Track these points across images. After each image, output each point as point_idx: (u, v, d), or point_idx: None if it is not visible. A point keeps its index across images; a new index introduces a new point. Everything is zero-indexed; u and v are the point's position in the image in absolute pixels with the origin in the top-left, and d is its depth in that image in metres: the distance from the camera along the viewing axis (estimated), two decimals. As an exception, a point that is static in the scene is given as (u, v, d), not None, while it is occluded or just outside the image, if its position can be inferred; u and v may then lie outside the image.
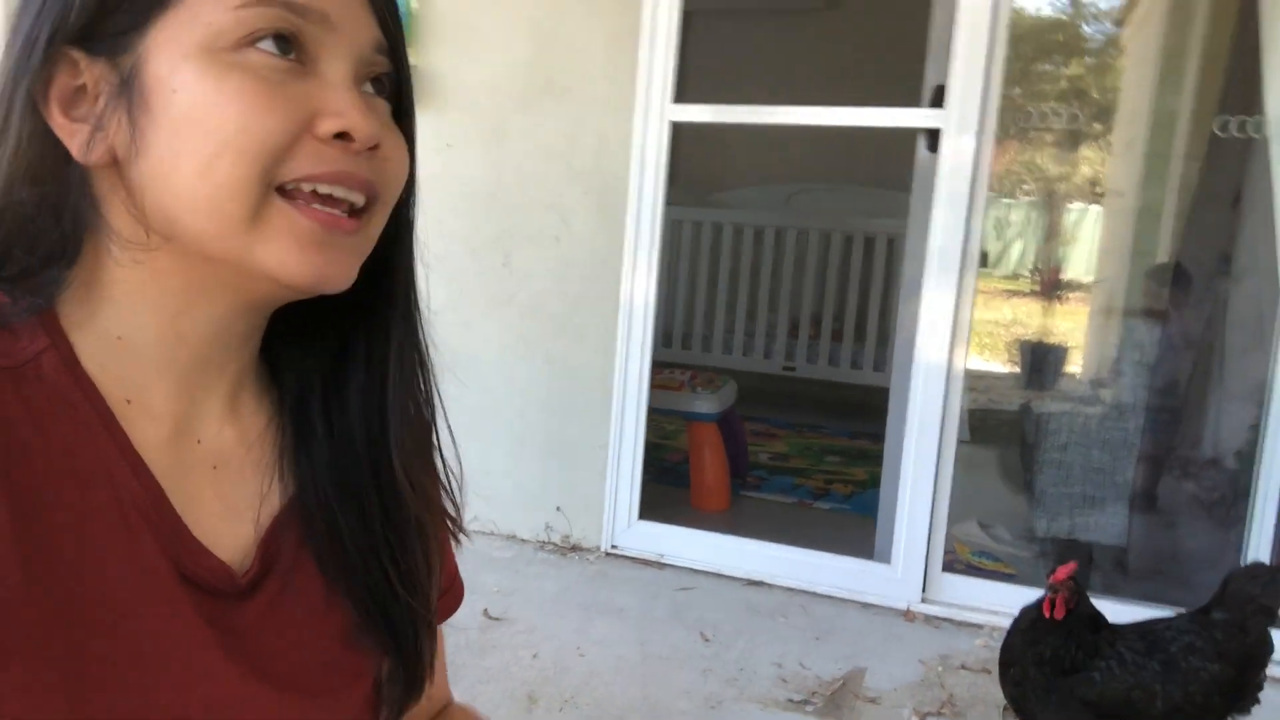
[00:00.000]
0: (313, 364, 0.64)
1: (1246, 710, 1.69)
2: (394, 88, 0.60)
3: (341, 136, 0.53)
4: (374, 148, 0.55)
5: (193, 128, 0.51)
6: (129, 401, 0.55)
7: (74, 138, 0.53)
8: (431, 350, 0.67)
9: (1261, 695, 1.70)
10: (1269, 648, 1.67)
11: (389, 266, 0.63)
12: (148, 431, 0.56)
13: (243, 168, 0.51)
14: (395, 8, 0.59)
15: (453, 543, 0.74)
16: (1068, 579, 1.64)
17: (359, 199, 0.55)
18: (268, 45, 0.52)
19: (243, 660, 0.57)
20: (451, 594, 0.78)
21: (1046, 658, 1.65)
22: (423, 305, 0.66)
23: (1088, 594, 1.68)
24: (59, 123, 0.53)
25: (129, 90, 0.52)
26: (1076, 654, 1.63)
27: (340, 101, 0.53)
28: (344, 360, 0.64)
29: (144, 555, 0.53)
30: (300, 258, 0.53)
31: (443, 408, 0.69)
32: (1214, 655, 1.63)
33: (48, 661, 0.49)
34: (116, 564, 0.52)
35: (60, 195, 0.53)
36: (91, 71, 0.52)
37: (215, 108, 0.50)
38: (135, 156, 0.52)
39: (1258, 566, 1.79)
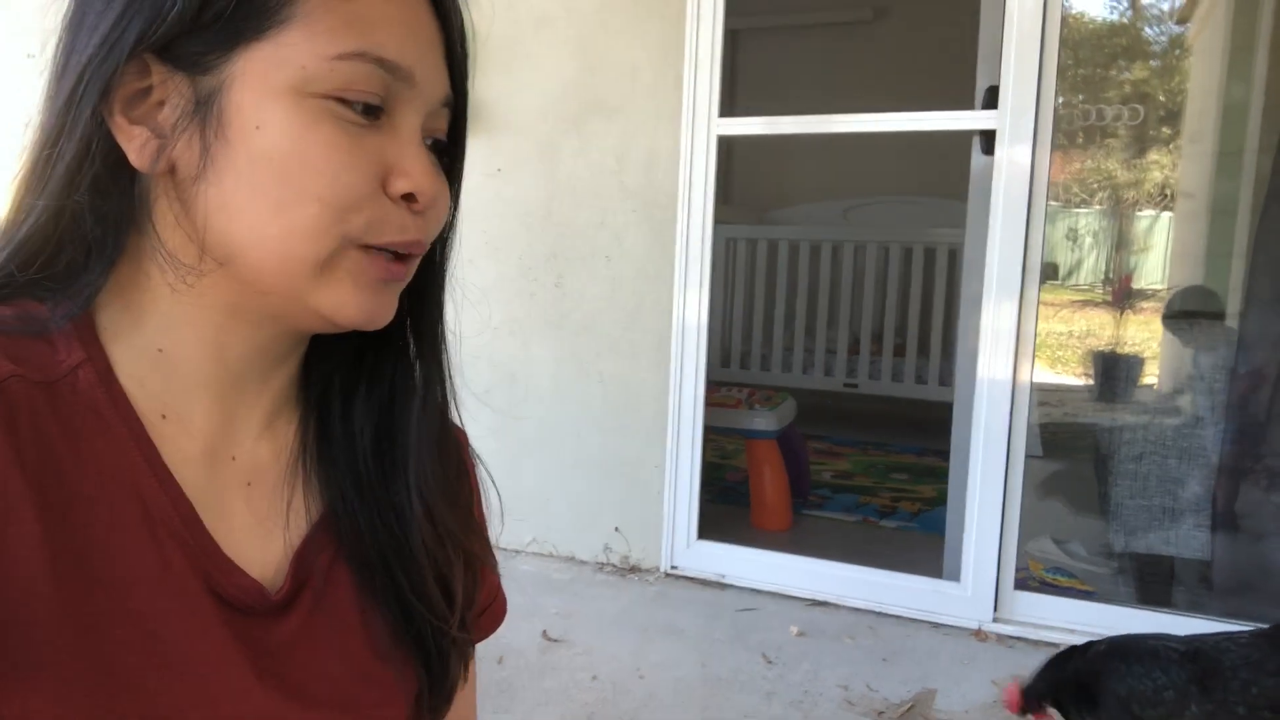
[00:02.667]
0: (340, 380, 0.64)
1: None
2: (451, 130, 0.60)
3: (408, 197, 0.55)
4: None
5: (273, 169, 0.51)
6: (165, 417, 0.55)
7: (132, 141, 0.52)
8: (456, 376, 0.67)
9: None
10: None
11: (421, 294, 0.63)
12: (182, 447, 0.55)
13: (324, 219, 0.52)
14: (466, 58, 0.59)
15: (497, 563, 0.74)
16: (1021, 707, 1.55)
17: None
18: (354, 110, 0.52)
19: (274, 678, 0.56)
20: (491, 612, 0.76)
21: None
22: (449, 331, 0.67)
23: (1050, 695, 1.55)
24: (118, 123, 0.52)
25: (205, 112, 0.51)
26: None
27: (412, 162, 0.54)
28: (371, 378, 0.64)
29: (174, 572, 0.53)
30: (357, 301, 0.54)
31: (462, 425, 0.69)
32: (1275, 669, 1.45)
33: (77, 676, 0.48)
34: (146, 580, 0.52)
35: (112, 198, 0.53)
36: (165, 82, 0.52)
37: (301, 156, 0.51)
38: (200, 178, 0.52)
39: None
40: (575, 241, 2.82)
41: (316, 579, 0.61)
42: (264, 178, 0.51)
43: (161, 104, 0.52)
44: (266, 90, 0.51)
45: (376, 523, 0.62)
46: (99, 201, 0.52)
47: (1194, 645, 1.51)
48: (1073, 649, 1.56)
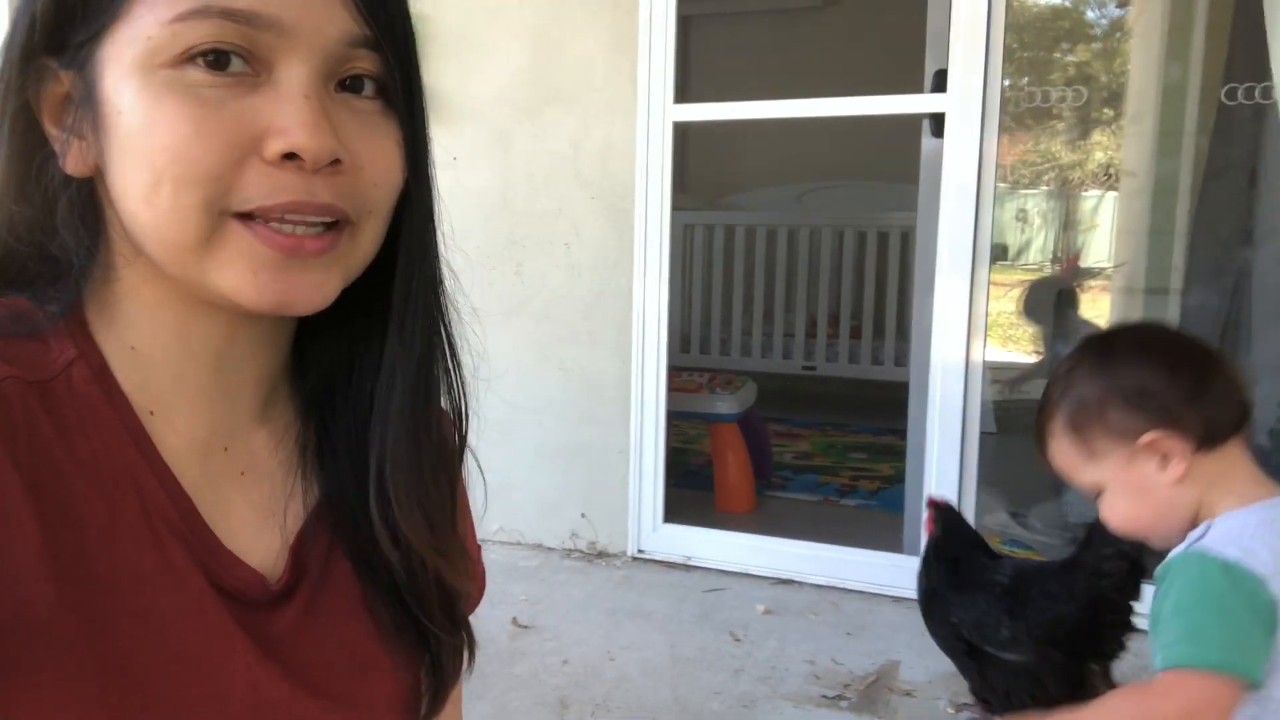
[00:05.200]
0: (334, 361, 0.62)
1: (1108, 657, 1.66)
2: (392, 81, 0.54)
3: (291, 157, 0.49)
4: (336, 162, 0.50)
5: (135, 152, 0.49)
6: (152, 413, 0.55)
7: (57, 146, 0.52)
8: (470, 356, 0.64)
9: (1131, 645, 1.65)
10: (1128, 594, 1.64)
11: (397, 268, 0.59)
12: (172, 441, 0.55)
13: (182, 197, 0.48)
14: None
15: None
16: (933, 504, 1.85)
17: (324, 220, 0.51)
18: (201, 63, 0.48)
19: (279, 667, 0.56)
20: (476, 589, 0.77)
21: (923, 586, 1.82)
22: (451, 306, 0.63)
23: (961, 530, 1.84)
24: (51, 132, 0.52)
25: (89, 104, 0.50)
26: (948, 572, 1.77)
27: (286, 117, 0.48)
28: (364, 358, 0.62)
29: (175, 566, 0.53)
30: (256, 283, 0.50)
31: (470, 408, 0.66)
32: (1066, 597, 1.64)
33: (83, 675, 0.48)
34: (148, 576, 0.52)
35: (55, 205, 0.53)
36: (67, 82, 0.52)
37: (150, 134, 0.48)
38: (104, 171, 0.52)
39: None
40: (534, 230, 2.82)
41: (315, 568, 0.60)
42: (131, 163, 0.49)
43: (76, 106, 0.51)
44: (122, 71, 0.49)
45: (373, 509, 0.61)
46: (47, 210, 0.53)
47: (1015, 575, 1.73)
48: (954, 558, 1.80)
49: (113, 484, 0.51)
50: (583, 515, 2.85)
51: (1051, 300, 3.49)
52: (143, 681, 0.50)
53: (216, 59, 0.48)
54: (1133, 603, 1.64)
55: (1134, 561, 1.62)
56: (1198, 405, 1.06)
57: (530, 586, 2.59)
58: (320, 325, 0.60)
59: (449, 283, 0.62)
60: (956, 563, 1.78)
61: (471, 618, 0.70)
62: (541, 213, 2.81)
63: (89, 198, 0.53)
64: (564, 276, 2.81)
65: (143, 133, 0.48)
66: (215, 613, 0.54)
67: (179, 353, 0.55)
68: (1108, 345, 1.17)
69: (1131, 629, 1.64)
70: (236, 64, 0.49)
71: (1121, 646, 1.66)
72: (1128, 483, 1.10)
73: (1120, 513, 1.12)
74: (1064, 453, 1.15)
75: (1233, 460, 1.07)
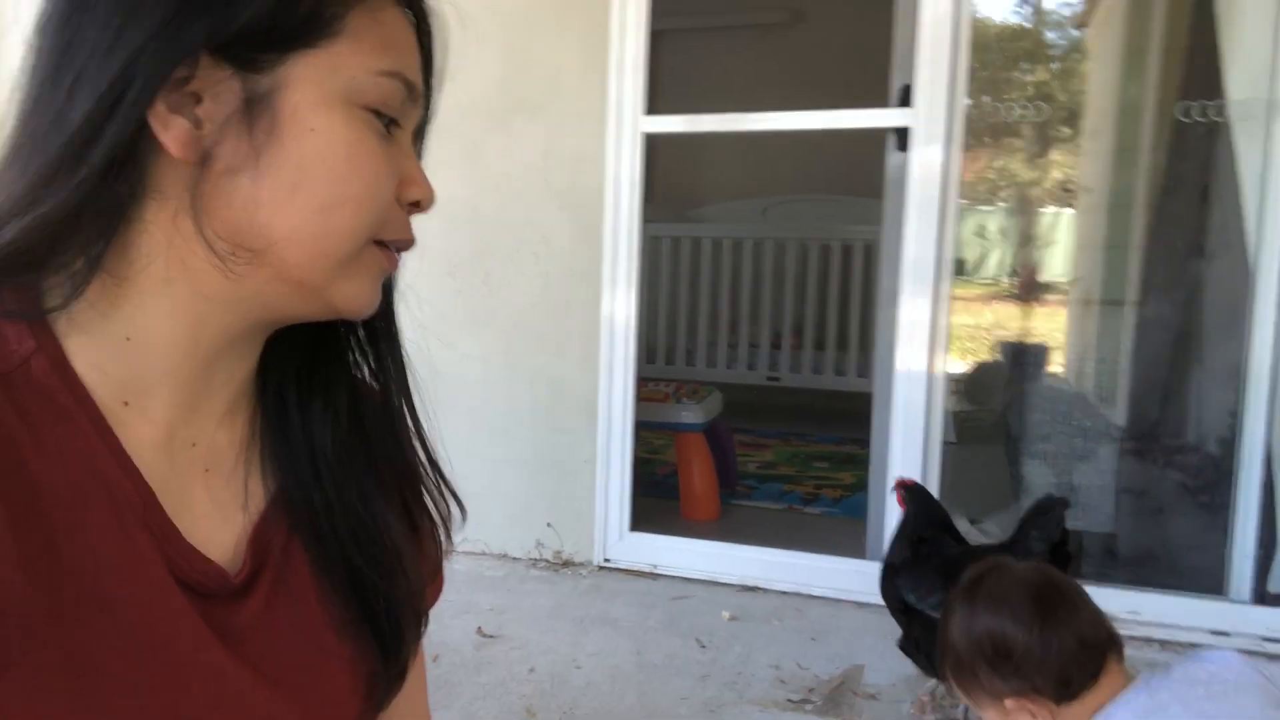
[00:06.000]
0: (291, 359, 0.65)
1: None
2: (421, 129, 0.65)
3: (414, 203, 0.61)
4: None
5: (323, 171, 0.54)
6: (127, 404, 0.55)
7: (169, 131, 0.52)
8: (409, 363, 0.68)
9: None
10: None
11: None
12: (142, 434, 0.55)
13: (359, 220, 0.56)
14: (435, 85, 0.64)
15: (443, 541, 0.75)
16: (900, 483, 2.00)
17: None
18: (382, 116, 0.57)
19: (241, 659, 0.57)
20: (434, 586, 0.77)
21: (888, 562, 1.95)
22: (399, 306, 0.69)
23: (931, 510, 1.98)
24: (158, 111, 0.51)
25: (256, 109, 0.52)
26: (900, 556, 1.93)
27: (418, 173, 0.60)
28: (321, 355, 0.65)
29: (140, 557, 0.53)
30: (368, 293, 0.59)
31: (422, 409, 0.70)
32: None
33: (54, 666, 0.48)
34: (114, 566, 0.52)
35: (124, 187, 0.52)
36: (211, 76, 0.52)
37: (349, 161, 0.55)
38: (240, 172, 0.52)
39: (1045, 498, 1.92)
40: (502, 240, 2.83)
41: (275, 559, 0.61)
42: (312, 178, 0.54)
43: (199, 96, 0.52)
44: (322, 96, 0.54)
45: (332, 500, 0.63)
46: (124, 189, 0.52)
47: (960, 552, 1.89)
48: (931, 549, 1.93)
49: (78, 473, 0.52)
50: (549, 525, 2.85)
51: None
52: (108, 671, 0.50)
53: (390, 123, 0.58)
54: None
55: (1055, 544, 1.83)
56: (1052, 668, 1.13)
57: (496, 596, 2.58)
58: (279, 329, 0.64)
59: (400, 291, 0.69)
60: (920, 543, 1.92)
61: (435, 627, 0.73)
62: (510, 223, 2.81)
63: (140, 184, 0.53)
64: (533, 286, 2.81)
65: (340, 158, 0.54)
66: (178, 603, 0.54)
67: (183, 348, 0.56)
68: (969, 600, 1.23)
69: None
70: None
71: None
72: None
73: None
74: (960, 694, 1.24)
75: (1106, 691, 1.12)
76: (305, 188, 0.54)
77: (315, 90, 0.54)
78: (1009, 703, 1.14)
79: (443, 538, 0.74)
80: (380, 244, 0.59)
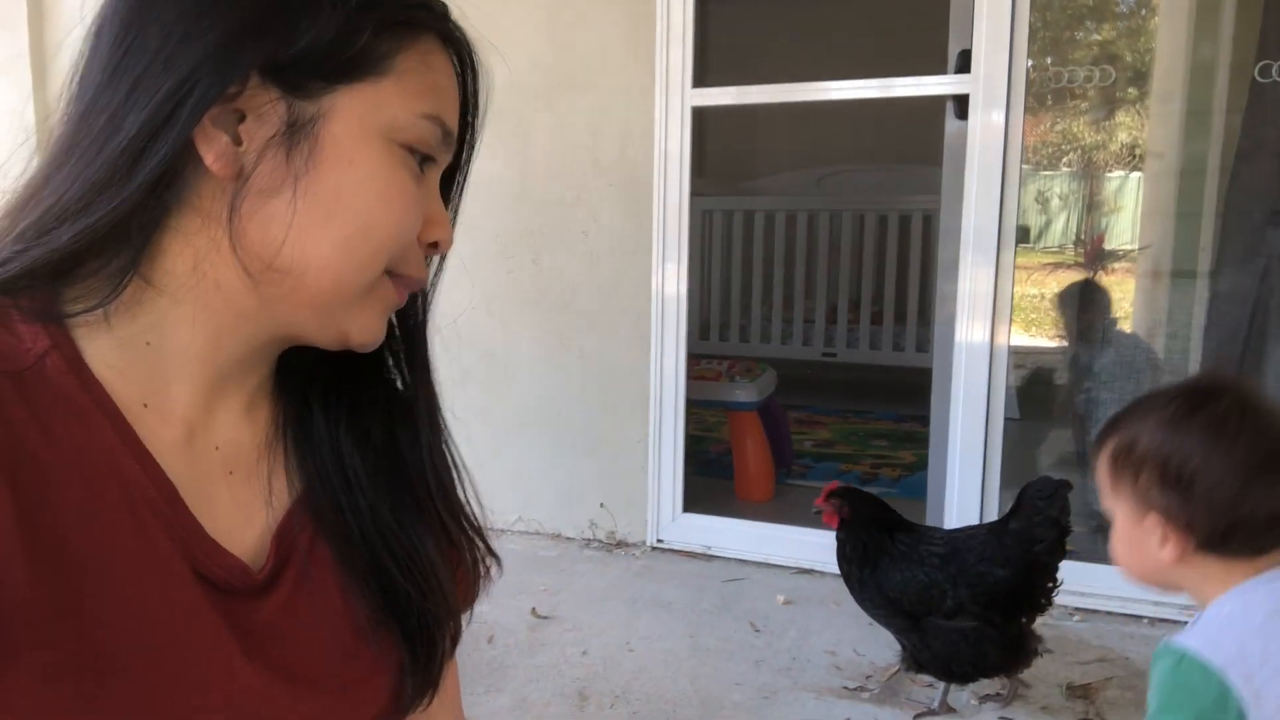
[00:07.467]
0: (315, 362, 0.65)
1: (1038, 611, 1.83)
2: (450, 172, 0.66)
3: (433, 244, 0.62)
4: None
5: (357, 202, 0.55)
6: (146, 405, 0.55)
7: (212, 146, 0.53)
8: (436, 366, 0.69)
9: (1056, 600, 1.84)
10: (1057, 556, 1.80)
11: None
12: (162, 434, 0.56)
13: (380, 253, 0.57)
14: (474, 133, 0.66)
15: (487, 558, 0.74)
16: (827, 497, 1.91)
17: None
18: (418, 157, 0.58)
19: (260, 656, 0.57)
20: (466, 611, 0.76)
21: (846, 554, 1.90)
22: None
23: (868, 503, 1.93)
24: (204, 126, 0.52)
25: (297, 135, 0.53)
26: (867, 550, 1.87)
27: (441, 214, 0.62)
28: (347, 360, 0.65)
29: (157, 551, 0.53)
30: (376, 326, 0.60)
31: (443, 416, 0.70)
32: (1001, 562, 1.79)
33: (63, 658, 0.49)
34: (128, 560, 0.52)
35: (163, 199, 0.53)
36: (258, 97, 0.53)
37: (383, 195, 0.56)
38: (275, 195, 0.53)
39: (1046, 481, 1.84)
40: (551, 218, 2.80)
41: (299, 557, 0.62)
42: (346, 208, 0.55)
43: (243, 114, 0.53)
44: (362, 130, 0.55)
45: (358, 499, 0.63)
46: (165, 200, 0.53)
47: (950, 544, 1.84)
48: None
49: (92, 469, 0.52)
50: (601, 505, 2.84)
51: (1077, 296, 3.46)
52: (119, 665, 0.50)
53: (423, 164, 0.59)
54: (1059, 562, 1.81)
55: (1062, 528, 1.78)
56: (1223, 520, 1.02)
57: (549, 577, 2.58)
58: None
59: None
60: (865, 546, 1.88)
61: (489, 607, 0.71)
62: (559, 201, 2.79)
63: (177, 198, 0.54)
64: (582, 265, 2.79)
65: (374, 193, 0.56)
66: (196, 599, 0.54)
67: (203, 356, 0.57)
68: (1191, 408, 1.10)
69: (1057, 585, 1.82)
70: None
71: (1049, 603, 1.83)
72: (1130, 534, 1.08)
73: (1118, 551, 1.11)
74: (1100, 471, 1.12)
75: (1252, 569, 1.02)
76: (339, 217, 0.55)
77: (357, 123, 0.55)
78: (1152, 518, 1.03)
79: (479, 574, 0.73)
80: (390, 275, 0.59)
